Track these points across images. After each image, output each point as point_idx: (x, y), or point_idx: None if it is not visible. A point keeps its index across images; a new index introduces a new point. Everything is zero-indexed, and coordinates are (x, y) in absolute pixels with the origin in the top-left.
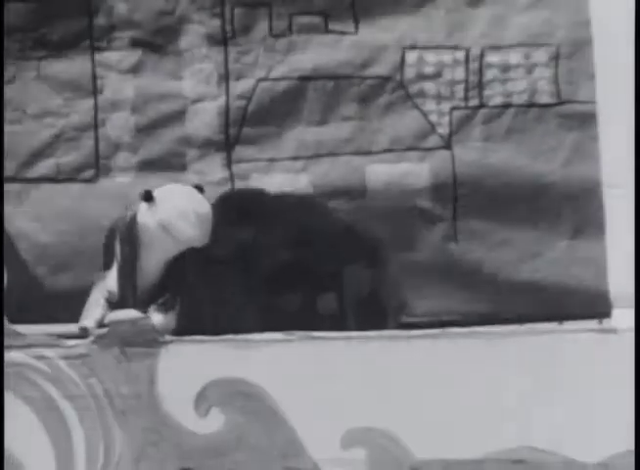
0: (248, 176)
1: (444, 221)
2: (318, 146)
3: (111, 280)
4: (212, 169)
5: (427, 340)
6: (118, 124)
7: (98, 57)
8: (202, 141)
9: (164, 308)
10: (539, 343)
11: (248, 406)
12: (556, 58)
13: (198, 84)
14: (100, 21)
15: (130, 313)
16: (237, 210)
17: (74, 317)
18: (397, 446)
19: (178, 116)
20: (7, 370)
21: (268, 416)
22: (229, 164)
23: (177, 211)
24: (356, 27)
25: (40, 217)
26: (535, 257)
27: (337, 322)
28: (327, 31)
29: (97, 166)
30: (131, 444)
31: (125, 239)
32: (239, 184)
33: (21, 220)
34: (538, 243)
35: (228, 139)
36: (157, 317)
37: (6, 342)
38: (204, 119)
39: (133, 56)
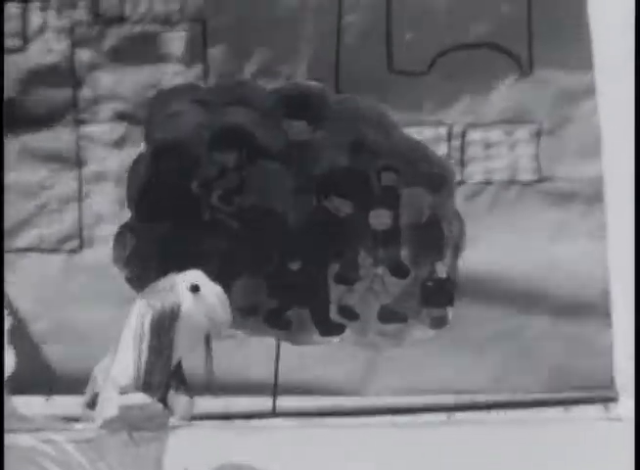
0: None
1: None
2: None
3: (118, 367)
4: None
5: (432, 427)
6: (102, 196)
7: (82, 129)
8: None
9: (187, 393)
10: (546, 430)
11: None
12: (538, 135)
13: None
14: (85, 93)
15: (140, 398)
16: (298, 104)
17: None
18: None
19: None
20: (14, 454)
21: None
22: None
23: (219, 299)
24: None
25: (24, 287)
26: (541, 340)
27: (389, 239)
28: None
29: (80, 238)
30: None
31: (165, 329)
32: None
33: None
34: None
35: None
36: (178, 402)
37: (13, 425)
38: None
39: (117, 129)
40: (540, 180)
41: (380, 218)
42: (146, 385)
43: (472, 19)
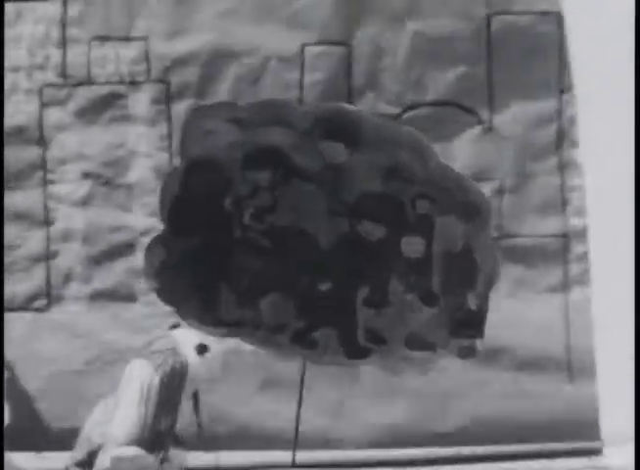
0: None
1: None
2: None
3: (118, 426)
4: (160, 301)
5: None
6: (70, 255)
7: (50, 189)
8: None
9: (180, 446)
10: None
11: None
12: (500, 192)
13: (146, 217)
14: (52, 153)
15: (132, 450)
16: (334, 128)
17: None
18: None
19: (128, 247)
20: None
21: None
22: None
23: (222, 360)
24: None
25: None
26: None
27: (421, 266)
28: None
29: (49, 296)
30: None
31: (173, 389)
32: None
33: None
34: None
35: None
36: (174, 455)
37: None
38: None
39: (84, 188)
40: (502, 237)
41: (412, 246)
42: (150, 442)
43: (432, 78)
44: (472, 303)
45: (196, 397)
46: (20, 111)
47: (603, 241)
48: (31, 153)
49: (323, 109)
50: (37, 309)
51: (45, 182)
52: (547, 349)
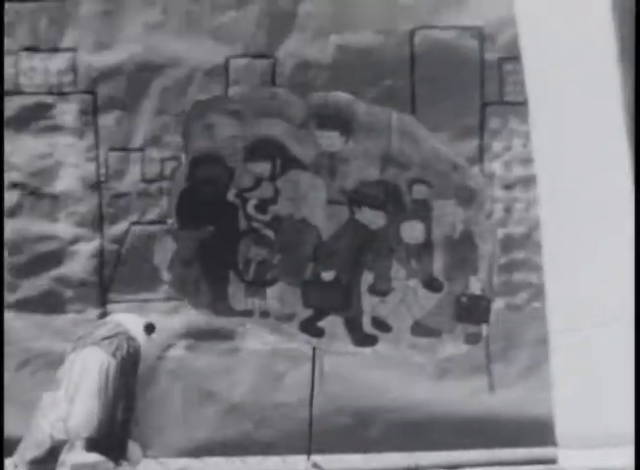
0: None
1: None
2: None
3: (78, 419)
4: (88, 309)
5: None
6: None
7: None
8: (77, 282)
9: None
10: None
11: None
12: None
13: (73, 226)
14: None
15: (90, 457)
16: (328, 116)
17: None
18: None
19: (54, 257)
20: None
21: None
22: (104, 303)
23: (164, 337)
24: None
25: None
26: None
27: (422, 252)
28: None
29: None
30: None
31: (129, 374)
32: None
33: None
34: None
35: (102, 280)
36: (134, 448)
37: None
38: (79, 261)
39: (11, 197)
40: None
41: (412, 231)
42: (111, 433)
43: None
44: (476, 288)
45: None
46: None
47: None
48: None
49: (316, 98)
50: None
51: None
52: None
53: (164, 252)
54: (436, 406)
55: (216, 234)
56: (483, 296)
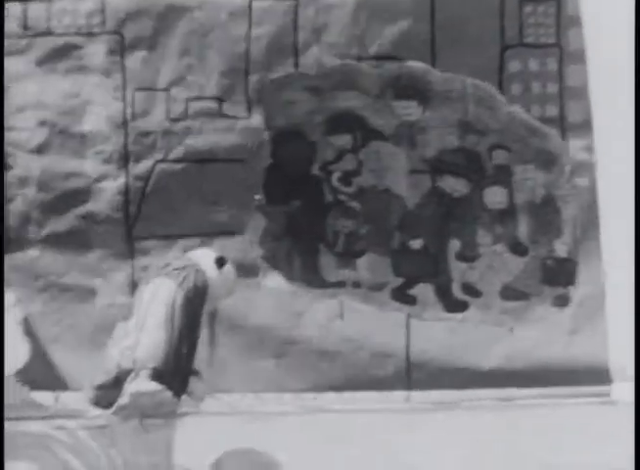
0: (148, 252)
1: None
2: (215, 224)
3: (145, 349)
4: (114, 245)
5: (434, 411)
6: (26, 200)
7: (8, 136)
8: (103, 218)
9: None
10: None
11: None
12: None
13: (99, 164)
14: (10, 101)
15: (150, 386)
16: (405, 87)
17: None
18: None
19: (81, 194)
20: (28, 440)
21: None
22: (130, 240)
23: (233, 272)
24: (249, 111)
25: None
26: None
27: (506, 217)
28: (221, 115)
29: (5, 240)
30: None
31: (196, 306)
32: (139, 259)
33: None
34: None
35: (128, 217)
36: (197, 384)
37: (27, 412)
38: (105, 198)
39: (40, 135)
40: None
41: (495, 197)
42: (176, 365)
43: (376, 33)
44: (561, 250)
45: (213, 316)
46: None
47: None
48: None
49: (391, 69)
50: None
51: (3, 129)
52: None
53: (256, 228)
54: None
55: (304, 208)
56: (569, 258)
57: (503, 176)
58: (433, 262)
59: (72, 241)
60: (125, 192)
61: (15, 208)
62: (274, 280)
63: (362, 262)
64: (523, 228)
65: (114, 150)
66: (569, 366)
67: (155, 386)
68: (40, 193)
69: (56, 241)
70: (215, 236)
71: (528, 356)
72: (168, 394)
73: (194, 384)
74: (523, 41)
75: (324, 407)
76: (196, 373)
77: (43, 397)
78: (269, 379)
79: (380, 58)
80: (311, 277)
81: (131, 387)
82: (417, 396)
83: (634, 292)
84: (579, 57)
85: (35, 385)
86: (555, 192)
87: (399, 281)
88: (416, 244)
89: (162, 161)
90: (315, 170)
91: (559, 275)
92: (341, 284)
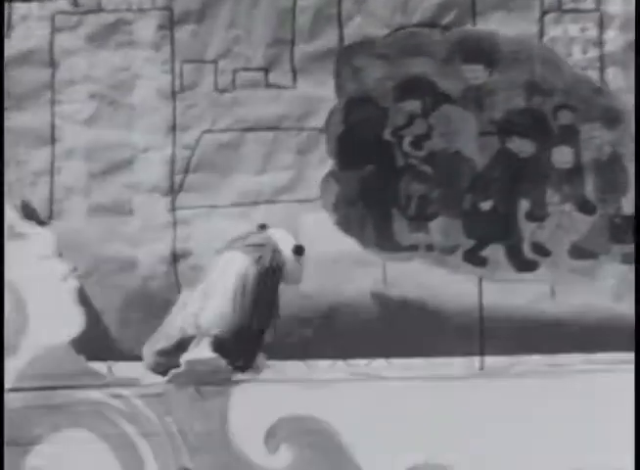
0: (189, 222)
1: None
2: (257, 194)
3: (210, 316)
4: (157, 215)
5: (488, 378)
6: (72, 171)
7: (57, 108)
8: (148, 188)
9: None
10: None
11: (315, 443)
12: None
13: (147, 135)
14: (61, 75)
15: (204, 354)
16: (472, 50)
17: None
18: None
19: (127, 164)
20: (84, 408)
21: (335, 453)
22: (173, 209)
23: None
24: (294, 81)
25: None
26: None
27: (573, 176)
28: (268, 86)
29: (51, 210)
30: None
31: (268, 286)
32: (181, 229)
33: None
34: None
35: (173, 186)
36: (261, 358)
37: (84, 381)
38: (151, 168)
39: (89, 108)
40: None
41: (562, 156)
42: (242, 339)
43: (418, 1)
44: (628, 208)
45: (276, 298)
46: (31, 36)
47: None
48: (42, 74)
49: (457, 34)
50: (40, 222)
51: (53, 102)
52: None
53: (329, 194)
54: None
55: (376, 173)
56: (636, 216)
57: (569, 136)
58: (503, 223)
59: (117, 211)
60: (171, 162)
61: (61, 179)
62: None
63: (434, 226)
64: (590, 187)
65: (161, 121)
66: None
67: (210, 354)
68: (87, 164)
69: (99, 211)
70: (260, 205)
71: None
72: (223, 361)
73: (259, 358)
74: (562, 7)
75: (379, 375)
76: (264, 349)
77: (98, 366)
78: (321, 346)
79: (421, 25)
80: (385, 242)
81: (187, 355)
82: (489, 360)
83: None
84: (619, 22)
85: (91, 354)
86: (621, 150)
87: (471, 243)
88: (486, 205)
89: (209, 131)
90: (387, 136)
91: (627, 233)
92: (414, 247)
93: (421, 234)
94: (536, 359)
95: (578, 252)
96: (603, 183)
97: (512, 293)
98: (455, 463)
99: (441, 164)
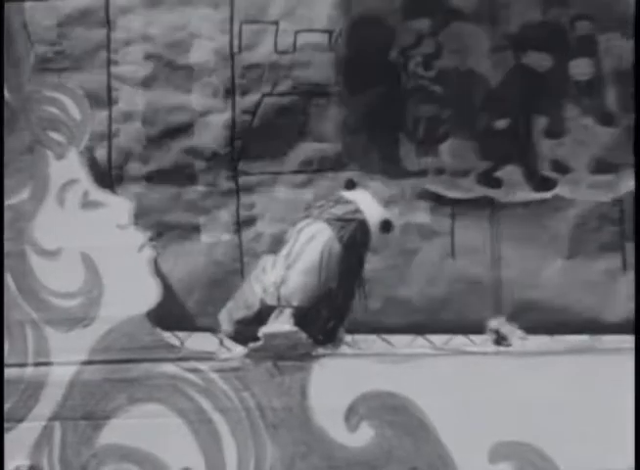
0: (253, 189)
1: None
2: (322, 161)
3: (292, 287)
4: (219, 181)
5: (574, 355)
6: (130, 135)
7: (114, 70)
8: (209, 153)
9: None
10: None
11: (397, 420)
12: None
13: (205, 98)
14: (117, 35)
15: (284, 327)
16: None
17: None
18: (545, 460)
19: (187, 128)
20: (160, 382)
21: (417, 430)
22: (235, 176)
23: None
24: None
25: None
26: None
27: (593, 88)
28: (330, 48)
29: (109, 175)
30: (282, 457)
31: (351, 263)
32: (244, 197)
33: None
34: None
35: (234, 152)
36: (341, 333)
37: (160, 354)
38: (211, 132)
39: (146, 69)
40: None
41: (580, 68)
42: (325, 311)
43: None
44: None
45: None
46: None
47: None
48: (97, 34)
49: None
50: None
51: (109, 63)
52: None
53: (334, 121)
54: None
55: (383, 96)
56: None
57: (588, 47)
58: (520, 142)
59: (176, 177)
60: (232, 126)
61: (119, 143)
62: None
63: (445, 148)
64: (611, 98)
65: (220, 83)
66: None
67: (289, 327)
68: (145, 127)
69: (160, 177)
70: (322, 172)
71: None
72: (304, 335)
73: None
74: None
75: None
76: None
77: (174, 338)
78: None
79: None
80: (391, 167)
81: (266, 328)
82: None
83: None
84: None
85: (166, 326)
86: None
87: (486, 164)
88: (501, 124)
89: (270, 94)
90: (394, 57)
91: None
92: (422, 173)
93: (430, 158)
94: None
95: (598, 165)
96: (624, 93)
97: None
98: (540, 442)
99: (452, 83)
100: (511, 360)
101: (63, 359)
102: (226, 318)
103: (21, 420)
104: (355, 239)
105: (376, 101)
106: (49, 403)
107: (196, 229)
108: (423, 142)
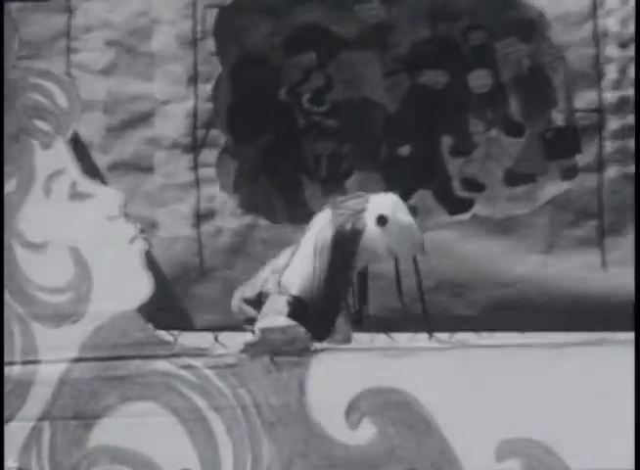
0: (214, 181)
1: None
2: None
3: (291, 275)
4: (179, 172)
5: (581, 348)
6: (90, 125)
7: (73, 57)
8: (169, 143)
9: (356, 319)
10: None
11: (399, 417)
12: None
13: (167, 85)
14: (77, 21)
15: (281, 321)
16: None
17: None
18: (552, 457)
19: (147, 117)
20: (153, 379)
21: (420, 427)
22: (195, 167)
23: (404, 235)
24: None
25: None
26: None
27: (495, 98)
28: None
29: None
30: (280, 455)
31: (343, 251)
32: (204, 188)
33: None
34: None
35: (195, 142)
36: (344, 328)
37: (153, 351)
38: (172, 121)
39: (107, 56)
40: None
41: (479, 80)
42: (320, 302)
43: None
44: (559, 119)
45: (364, 276)
46: None
47: None
48: (57, 21)
49: None
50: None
51: (69, 50)
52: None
53: (227, 174)
54: (542, 283)
55: (276, 140)
56: (568, 126)
57: (484, 56)
58: (427, 166)
59: (135, 167)
60: (194, 115)
61: (80, 133)
62: None
63: (351, 184)
64: (515, 106)
65: (182, 70)
66: None
67: (284, 321)
68: (105, 117)
69: (119, 167)
70: None
71: None
72: (301, 329)
73: (340, 326)
74: None
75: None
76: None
77: (166, 335)
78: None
79: None
80: (297, 212)
81: (259, 324)
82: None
83: None
84: None
85: (159, 322)
86: (541, 60)
87: (395, 193)
88: (405, 150)
89: None
90: (282, 96)
91: (561, 146)
92: None
93: (336, 195)
94: None
95: (514, 177)
96: (527, 99)
97: None
98: (548, 438)
99: (348, 115)
100: (518, 355)
101: (51, 357)
102: (237, 296)
103: (8, 420)
104: (350, 228)
105: (270, 145)
106: (38, 403)
107: (153, 223)
108: (327, 180)
